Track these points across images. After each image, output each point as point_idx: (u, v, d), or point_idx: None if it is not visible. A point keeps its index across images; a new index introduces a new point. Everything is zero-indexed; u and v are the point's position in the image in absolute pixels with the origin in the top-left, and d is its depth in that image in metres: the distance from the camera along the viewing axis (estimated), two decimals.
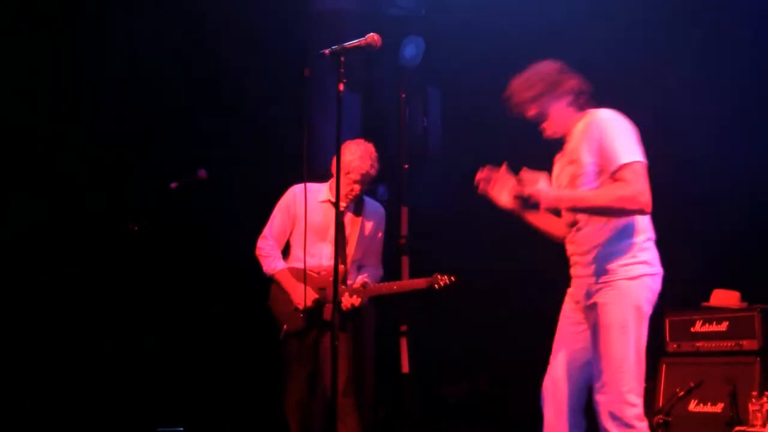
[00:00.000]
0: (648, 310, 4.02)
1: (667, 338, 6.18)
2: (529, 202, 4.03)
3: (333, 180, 5.24)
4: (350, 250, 5.31)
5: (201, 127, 6.92)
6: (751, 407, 5.25)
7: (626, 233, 3.98)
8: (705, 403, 5.64)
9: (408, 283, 5.31)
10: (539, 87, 4.14)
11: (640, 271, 3.98)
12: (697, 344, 5.88)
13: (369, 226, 5.42)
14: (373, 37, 4.26)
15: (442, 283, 5.19)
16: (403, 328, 7.06)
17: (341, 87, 4.18)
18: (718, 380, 5.55)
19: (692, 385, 5.76)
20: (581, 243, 4.07)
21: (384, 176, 7.47)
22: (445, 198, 7.47)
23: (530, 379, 7.12)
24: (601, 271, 4.00)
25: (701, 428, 5.35)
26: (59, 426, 6.37)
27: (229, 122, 6.96)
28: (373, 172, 5.25)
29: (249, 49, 6.85)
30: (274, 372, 5.43)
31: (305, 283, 5.12)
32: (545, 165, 6.98)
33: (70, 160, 6.63)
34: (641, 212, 3.92)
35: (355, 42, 4.25)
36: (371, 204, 5.53)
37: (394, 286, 5.27)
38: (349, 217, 5.36)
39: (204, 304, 6.79)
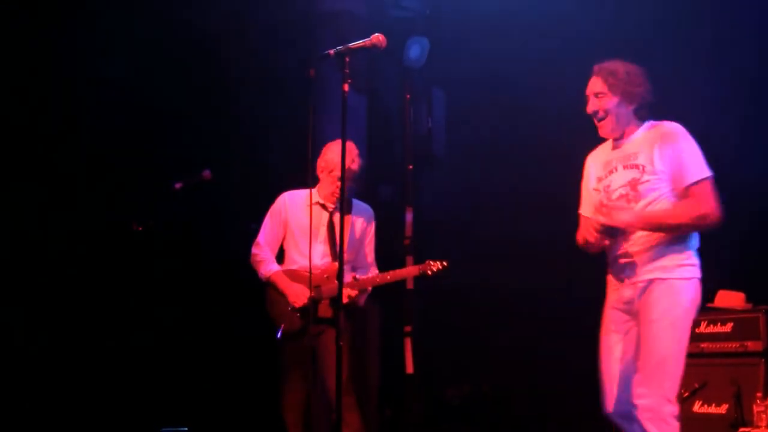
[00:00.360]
0: (694, 313, 4.18)
1: None
2: (614, 233, 4.21)
3: (320, 183, 5.38)
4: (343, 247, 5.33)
5: (205, 127, 6.92)
6: (755, 408, 5.25)
7: (683, 237, 4.19)
8: (710, 404, 5.64)
9: (401, 272, 5.33)
10: (622, 84, 4.29)
11: (693, 274, 4.18)
12: (702, 345, 5.87)
13: (358, 224, 5.48)
14: (378, 37, 4.26)
15: (434, 269, 5.26)
16: (408, 328, 7.07)
17: (346, 87, 4.18)
18: (723, 381, 5.55)
19: (697, 386, 5.75)
20: (636, 243, 4.20)
21: (389, 177, 7.51)
22: (449, 198, 7.47)
23: (532, 382, 7.18)
24: (656, 270, 4.15)
25: (706, 429, 5.34)
26: (64, 426, 6.37)
27: (234, 123, 6.96)
28: (354, 167, 5.28)
29: (254, 49, 6.85)
30: (276, 372, 5.44)
31: (307, 283, 5.16)
32: (546, 164, 7.04)
33: (74, 160, 6.63)
34: (712, 228, 4.15)
35: (359, 42, 4.24)
36: (360, 205, 5.60)
37: (388, 275, 5.31)
38: (338, 217, 5.38)
39: (207, 304, 6.79)
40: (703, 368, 5.70)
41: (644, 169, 4.17)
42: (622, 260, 4.29)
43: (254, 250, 5.53)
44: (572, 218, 7.08)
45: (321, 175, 5.37)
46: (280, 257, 5.57)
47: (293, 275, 5.38)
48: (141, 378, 6.45)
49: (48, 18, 6.60)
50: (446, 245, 6.98)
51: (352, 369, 5.30)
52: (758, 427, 5.18)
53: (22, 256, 6.41)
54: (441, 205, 7.47)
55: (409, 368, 7.03)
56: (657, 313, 4.11)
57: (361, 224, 5.50)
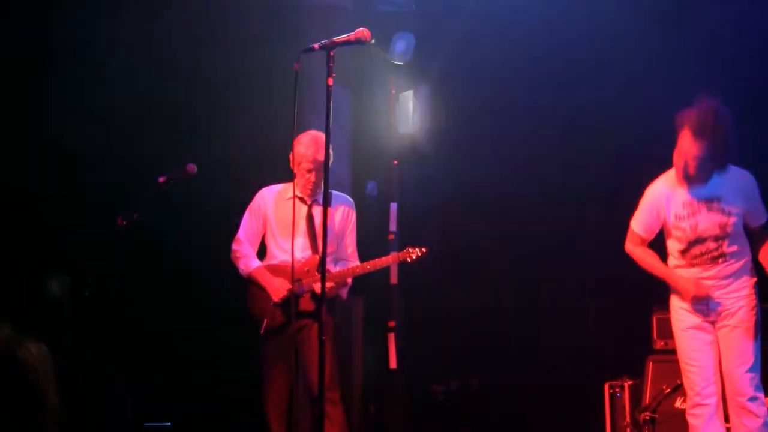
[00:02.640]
0: None
1: (655, 336, 6.22)
2: None
3: (296, 179, 5.34)
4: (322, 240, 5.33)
5: (189, 121, 6.90)
6: None
7: (750, 260, 5.04)
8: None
9: (381, 261, 5.33)
10: (724, 155, 4.83)
11: (758, 288, 5.05)
12: None
13: (338, 216, 5.48)
14: (362, 32, 4.26)
15: (414, 256, 5.30)
16: (392, 323, 7.08)
17: (330, 81, 4.17)
18: None
19: (679, 382, 5.77)
20: (724, 272, 4.94)
21: (373, 172, 7.50)
22: (434, 194, 7.47)
23: (520, 377, 7.19)
24: (740, 290, 4.95)
25: (687, 425, 5.34)
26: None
27: (218, 116, 6.94)
28: (320, 157, 5.20)
29: (239, 42, 6.83)
30: (258, 367, 5.43)
31: (288, 277, 5.14)
32: (532, 159, 7.04)
33: (57, 154, 6.60)
34: None
35: (344, 36, 4.24)
36: (340, 196, 5.60)
37: (368, 265, 5.33)
38: (317, 210, 5.39)
39: (191, 299, 6.77)
40: None
41: (732, 213, 4.89)
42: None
43: (234, 246, 5.53)
44: (558, 213, 7.15)
45: (295, 170, 5.36)
46: (262, 253, 5.56)
47: (274, 270, 5.38)
48: (124, 373, 6.43)
49: (36, 12, 6.57)
50: (431, 241, 6.99)
51: (336, 364, 5.30)
52: None
53: (3, 251, 6.38)
54: (426, 201, 7.47)
55: (393, 363, 7.03)
56: (749, 323, 4.99)
57: (341, 216, 5.49)
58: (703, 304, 4.97)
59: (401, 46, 7.18)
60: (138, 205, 5.61)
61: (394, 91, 7.33)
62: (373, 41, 4.25)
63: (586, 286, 7.25)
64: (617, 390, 6.17)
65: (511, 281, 7.22)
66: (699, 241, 4.94)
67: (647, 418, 5.88)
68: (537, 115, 7.12)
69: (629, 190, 6.25)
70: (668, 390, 5.86)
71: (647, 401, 5.98)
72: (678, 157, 4.87)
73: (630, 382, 6.16)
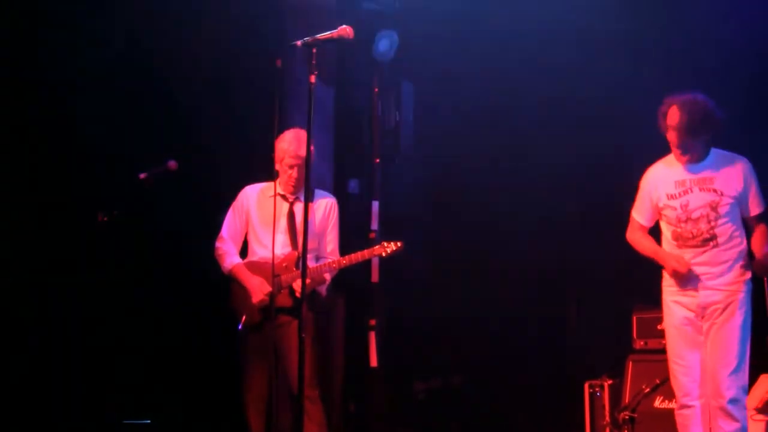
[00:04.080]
0: None
1: (635, 335, 6.24)
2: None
3: (279, 176, 5.38)
4: (301, 236, 5.33)
5: (171, 118, 6.87)
6: None
7: (745, 253, 4.98)
8: (670, 400, 5.68)
9: (357, 255, 5.33)
10: (707, 127, 4.91)
11: (750, 287, 4.98)
12: (664, 342, 5.89)
13: (319, 213, 5.49)
14: (345, 29, 4.27)
15: (389, 250, 5.31)
16: (372, 322, 7.08)
17: (313, 79, 4.18)
18: None
19: (658, 382, 5.81)
20: (716, 258, 4.91)
21: (355, 171, 7.50)
22: (416, 192, 7.48)
23: (501, 377, 7.21)
24: (732, 284, 4.90)
25: (666, 425, 5.37)
26: (26, 420, 6.32)
27: (200, 114, 6.91)
28: (303, 153, 5.24)
29: (221, 39, 6.81)
30: (238, 364, 5.42)
31: (267, 275, 5.16)
32: (514, 158, 7.06)
33: (38, 149, 6.57)
34: None
35: (327, 34, 4.25)
36: (321, 194, 5.62)
37: (344, 260, 5.33)
38: (299, 207, 5.40)
39: (171, 295, 6.75)
40: (665, 364, 5.70)
41: (723, 195, 4.90)
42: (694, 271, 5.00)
43: (217, 243, 5.54)
44: (540, 212, 7.16)
45: (277, 167, 5.37)
46: (245, 250, 5.56)
47: (254, 266, 5.39)
48: (104, 370, 6.41)
49: (19, 8, 6.55)
50: (412, 239, 7.00)
51: (316, 361, 5.30)
52: None
53: None
54: (408, 199, 7.47)
55: (373, 362, 7.04)
56: (739, 321, 4.94)
57: (323, 213, 5.50)
58: (691, 287, 4.94)
59: (384, 44, 7.19)
60: (118, 201, 5.59)
61: (377, 89, 7.33)
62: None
63: (568, 285, 7.28)
64: (597, 389, 6.19)
65: (492, 280, 7.23)
66: (690, 221, 4.93)
67: (627, 417, 5.91)
68: (520, 114, 7.13)
69: (611, 189, 6.30)
70: (648, 390, 5.89)
71: (627, 401, 6.00)
72: (669, 131, 4.95)
73: (610, 382, 6.18)
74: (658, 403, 5.85)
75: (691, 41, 6.57)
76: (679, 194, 4.99)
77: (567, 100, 6.91)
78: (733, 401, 4.84)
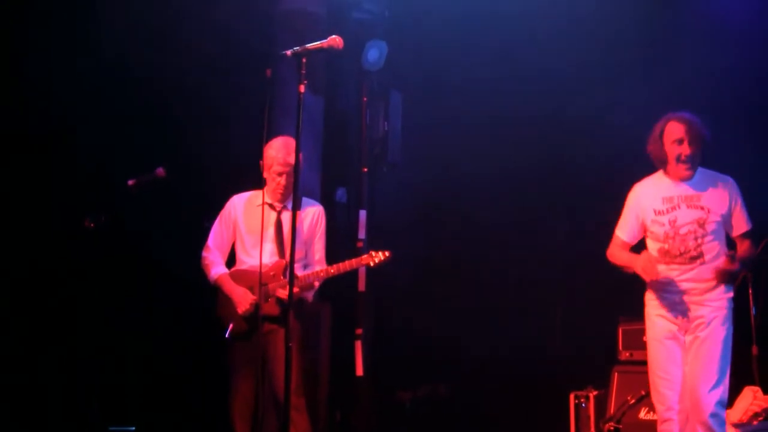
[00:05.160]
0: None
1: (620, 347, 6.26)
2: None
3: (267, 183, 5.36)
4: (289, 245, 5.33)
5: (161, 125, 6.87)
6: None
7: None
8: (655, 412, 5.70)
9: (345, 265, 5.32)
10: (705, 141, 5.01)
11: (733, 305, 5.02)
12: None
13: (307, 222, 5.49)
14: (335, 39, 4.29)
15: (377, 260, 5.30)
16: (359, 331, 7.08)
17: (302, 88, 4.19)
18: None
19: (643, 393, 5.83)
20: (702, 275, 4.93)
21: (343, 179, 7.51)
22: (404, 201, 7.50)
23: (487, 387, 7.22)
24: (716, 301, 4.93)
25: None
26: (11, 426, 6.29)
27: (190, 122, 6.91)
28: (291, 161, 5.23)
29: (212, 48, 6.82)
30: (224, 372, 5.42)
31: (252, 284, 5.15)
32: (502, 167, 7.07)
33: (25, 155, 6.55)
34: None
35: (317, 44, 4.27)
36: (309, 202, 5.62)
37: (332, 269, 5.32)
38: (286, 216, 5.40)
39: (158, 302, 6.74)
40: None
41: (711, 212, 4.96)
42: (680, 287, 5.01)
43: (204, 253, 5.54)
44: (527, 222, 7.19)
45: (265, 175, 5.37)
46: (233, 259, 5.55)
47: (240, 275, 5.38)
48: (89, 377, 6.39)
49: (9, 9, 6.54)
50: (400, 248, 7.01)
51: (302, 370, 5.29)
52: None
53: None
54: (395, 209, 7.49)
55: (359, 371, 7.04)
56: (720, 336, 4.95)
57: (310, 222, 5.50)
58: (676, 301, 4.95)
59: (374, 53, 7.21)
60: (106, 207, 5.58)
61: (365, 99, 7.35)
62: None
63: (554, 296, 7.30)
64: (582, 400, 6.22)
65: (479, 290, 7.25)
66: (677, 237, 4.95)
67: (612, 428, 5.93)
68: (508, 123, 7.17)
69: (599, 200, 6.33)
70: (633, 401, 5.91)
71: (612, 412, 6.02)
72: (668, 145, 4.99)
73: (595, 393, 6.20)
74: (643, 414, 5.87)
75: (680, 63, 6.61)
76: (667, 210, 5.02)
77: (555, 111, 6.95)
78: (714, 415, 4.84)
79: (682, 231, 4.95)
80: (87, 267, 6.19)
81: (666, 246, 4.98)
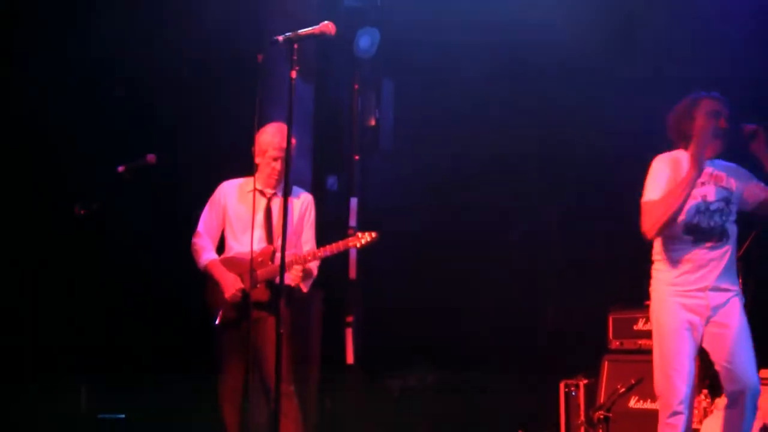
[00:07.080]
0: None
1: (610, 336, 6.27)
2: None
3: (259, 169, 5.34)
4: (278, 231, 5.32)
5: (150, 111, 6.85)
6: None
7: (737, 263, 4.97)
8: (645, 400, 5.73)
9: (332, 247, 5.31)
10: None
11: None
12: (639, 342, 5.97)
13: (297, 209, 5.48)
14: (327, 25, 4.27)
15: (363, 241, 5.30)
16: (349, 318, 7.08)
17: (293, 74, 4.17)
18: None
19: (633, 382, 5.85)
20: (726, 256, 4.84)
21: (334, 167, 7.49)
22: (395, 189, 7.49)
23: (476, 375, 7.23)
24: (733, 289, 4.85)
25: (641, 424, 5.42)
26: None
27: (180, 108, 6.89)
28: (285, 145, 5.16)
29: (201, 33, 6.79)
30: (213, 360, 5.41)
31: (241, 271, 5.14)
32: (494, 155, 7.08)
33: (15, 141, 6.53)
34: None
35: (308, 30, 4.25)
36: (299, 190, 5.60)
37: (319, 252, 5.30)
38: (276, 203, 5.39)
39: (148, 289, 6.73)
40: (640, 365, 5.78)
41: (733, 192, 4.89)
42: (700, 273, 4.87)
43: (194, 239, 5.51)
44: (518, 210, 7.19)
45: (257, 161, 5.34)
46: (222, 245, 5.54)
47: (229, 262, 5.37)
48: (78, 365, 6.37)
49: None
50: (391, 236, 7.01)
51: (292, 357, 5.28)
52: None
53: None
54: (386, 196, 7.48)
55: (350, 358, 7.04)
56: (744, 322, 4.84)
57: (300, 211, 5.49)
58: (702, 286, 4.79)
59: (366, 41, 7.19)
60: (96, 194, 5.56)
61: (357, 86, 7.33)
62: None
63: (544, 285, 7.31)
64: (572, 389, 6.23)
65: (469, 278, 7.25)
66: (707, 213, 4.80)
67: (602, 417, 5.94)
68: (501, 111, 7.16)
69: (591, 190, 6.34)
70: (623, 389, 5.92)
71: (602, 400, 6.03)
72: (702, 120, 4.82)
73: (585, 381, 6.21)
74: (633, 402, 5.88)
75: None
76: (699, 183, 4.82)
77: (548, 99, 6.94)
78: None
79: (713, 206, 4.82)
80: (77, 253, 6.18)
81: (695, 221, 4.78)
